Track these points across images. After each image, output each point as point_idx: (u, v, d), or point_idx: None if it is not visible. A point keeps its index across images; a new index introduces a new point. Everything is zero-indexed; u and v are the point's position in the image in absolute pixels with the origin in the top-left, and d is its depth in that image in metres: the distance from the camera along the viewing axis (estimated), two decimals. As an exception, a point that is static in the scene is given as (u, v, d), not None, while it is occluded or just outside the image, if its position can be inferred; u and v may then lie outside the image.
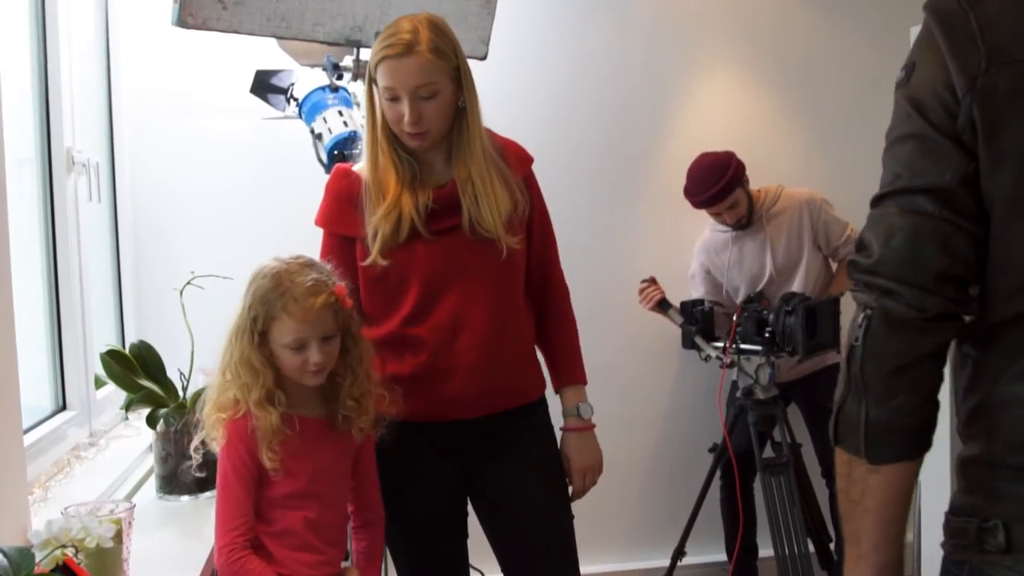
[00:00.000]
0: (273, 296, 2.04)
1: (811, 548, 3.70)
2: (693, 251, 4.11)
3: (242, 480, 1.96)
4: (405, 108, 2.18)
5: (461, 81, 2.26)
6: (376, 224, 2.23)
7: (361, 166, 2.34)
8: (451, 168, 2.30)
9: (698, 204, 3.88)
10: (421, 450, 2.29)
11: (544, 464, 2.38)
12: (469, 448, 2.32)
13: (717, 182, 3.77)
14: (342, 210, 2.33)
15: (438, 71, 2.19)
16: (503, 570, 2.38)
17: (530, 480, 2.34)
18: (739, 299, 3.93)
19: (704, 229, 4.08)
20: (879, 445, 1.24)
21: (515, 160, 2.39)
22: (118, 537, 1.78)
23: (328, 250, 2.35)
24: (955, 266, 1.22)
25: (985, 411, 1.24)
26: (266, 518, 1.98)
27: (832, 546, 3.94)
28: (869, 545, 1.29)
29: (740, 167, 3.83)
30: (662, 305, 3.88)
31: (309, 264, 2.13)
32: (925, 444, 1.27)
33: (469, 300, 2.26)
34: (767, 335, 3.55)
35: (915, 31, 2.66)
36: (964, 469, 1.29)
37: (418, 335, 2.26)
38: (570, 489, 2.40)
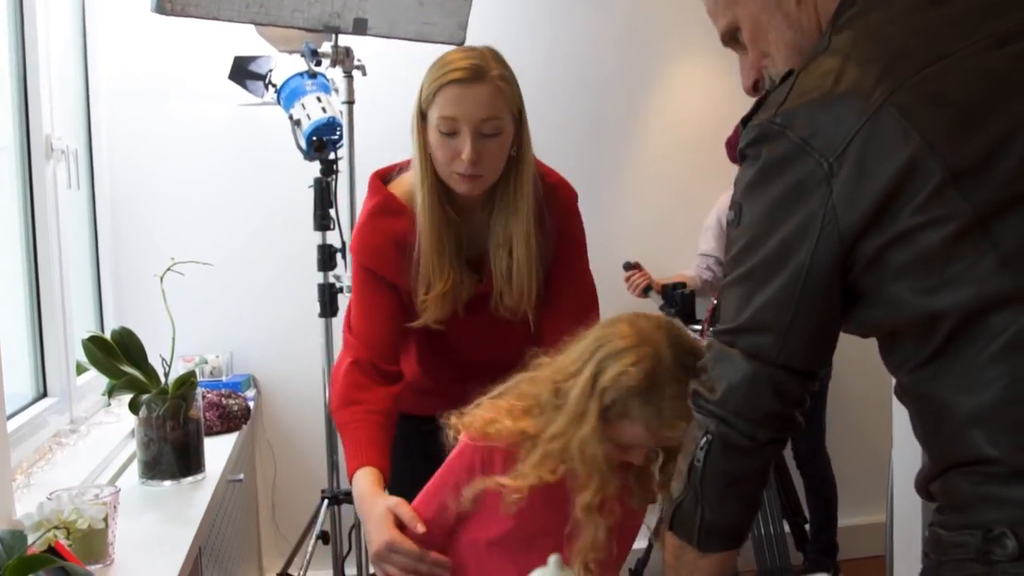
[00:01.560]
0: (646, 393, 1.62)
1: (787, 529, 3.74)
2: (715, 205, 4.12)
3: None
4: (466, 144, 1.95)
5: (520, 124, 2.06)
6: (428, 303, 2.07)
7: (406, 194, 2.12)
8: (487, 226, 2.10)
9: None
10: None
11: None
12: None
13: None
14: (386, 252, 2.11)
15: (505, 106, 1.99)
16: None
17: None
18: None
19: (694, 205, 4.12)
20: (710, 539, 1.41)
21: (561, 205, 2.20)
22: (105, 520, 1.80)
23: (363, 283, 2.16)
24: (787, 405, 1.35)
25: (959, 434, 1.25)
26: None
27: (807, 527, 4.00)
28: None
29: None
30: (646, 292, 3.93)
31: None
32: (744, 537, 1.45)
33: (486, 367, 1.96)
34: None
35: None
36: (948, 488, 1.30)
37: (430, 387, 2.22)
38: None
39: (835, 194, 1.23)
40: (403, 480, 1.99)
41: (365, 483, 1.93)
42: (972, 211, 1.18)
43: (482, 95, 1.95)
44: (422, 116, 2.01)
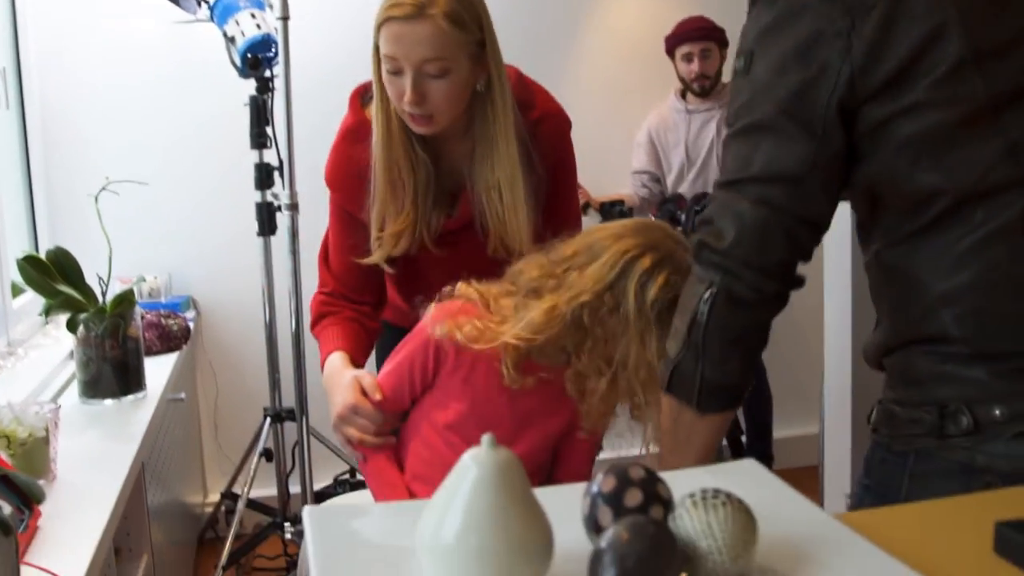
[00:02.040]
0: None
1: (723, 442, 3.83)
2: (644, 122, 4.18)
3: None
4: (407, 84, 1.83)
5: (485, 59, 1.91)
6: (382, 240, 2.00)
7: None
8: (469, 162, 1.99)
9: (680, 35, 4.00)
10: None
11: None
12: None
13: (706, 22, 3.96)
14: (351, 183, 2.02)
15: (453, 44, 1.83)
16: None
17: None
18: (669, 179, 4.07)
19: (630, 122, 4.14)
20: (710, 399, 1.38)
21: (550, 140, 2.06)
22: (46, 435, 1.81)
23: (332, 214, 2.11)
24: (798, 254, 1.33)
25: (928, 313, 1.29)
26: None
27: (743, 439, 4.11)
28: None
29: (726, 35, 3.97)
30: (584, 209, 3.94)
31: None
32: (742, 398, 1.42)
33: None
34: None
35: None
36: (908, 365, 1.34)
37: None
38: None
39: (854, 50, 1.23)
40: None
41: (335, 360, 1.98)
42: (986, 95, 1.20)
43: (423, 34, 1.80)
44: (376, 47, 1.88)
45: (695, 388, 1.37)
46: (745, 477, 1.10)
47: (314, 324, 2.12)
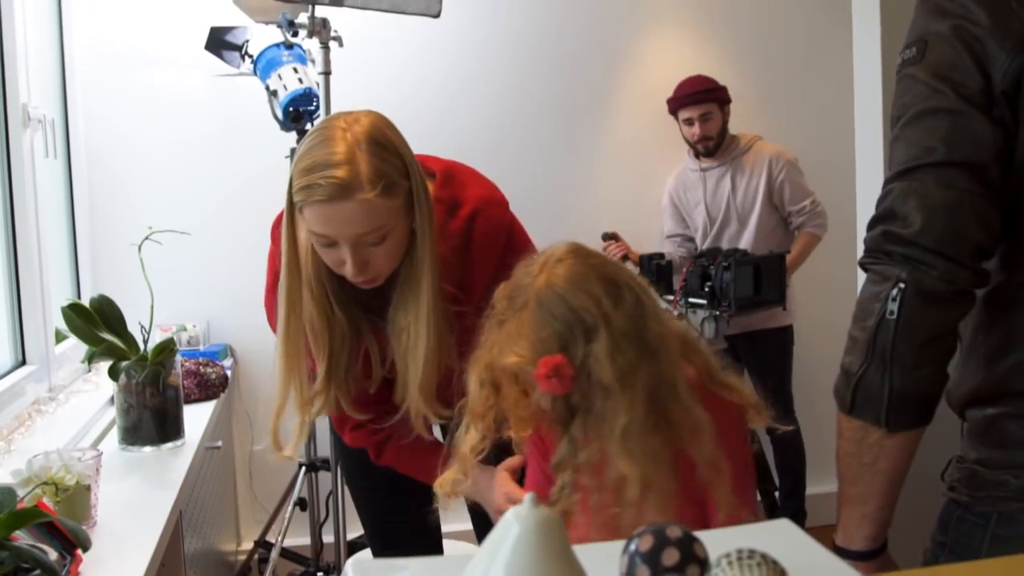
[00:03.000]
0: None
1: (758, 497, 3.81)
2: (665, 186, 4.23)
3: None
4: (347, 257, 1.73)
5: (414, 202, 1.77)
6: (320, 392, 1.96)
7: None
8: (390, 308, 1.89)
9: (679, 99, 4.01)
10: None
11: None
12: None
13: (705, 84, 3.96)
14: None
15: (386, 212, 1.71)
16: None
17: None
18: (698, 237, 4.07)
19: (667, 177, 4.17)
20: (900, 414, 1.28)
21: (488, 226, 1.94)
22: (90, 479, 1.83)
23: None
24: (988, 239, 1.26)
25: (1021, 370, 1.28)
26: None
27: (777, 494, 4.07)
28: (875, 504, 1.36)
29: (727, 93, 3.98)
30: (624, 261, 3.96)
31: None
32: (934, 411, 1.33)
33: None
34: (707, 289, 3.64)
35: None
36: (994, 425, 1.32)
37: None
38: None
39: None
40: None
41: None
42: None
43: (353, 212, 1.68)
44: (292, 217, 1.78)
45: (883, 402, 1.28)
46: (780, 537, 1.11)
47: (379, 454, 2.08)
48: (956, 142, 1.25)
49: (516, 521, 0.82)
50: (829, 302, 3.79)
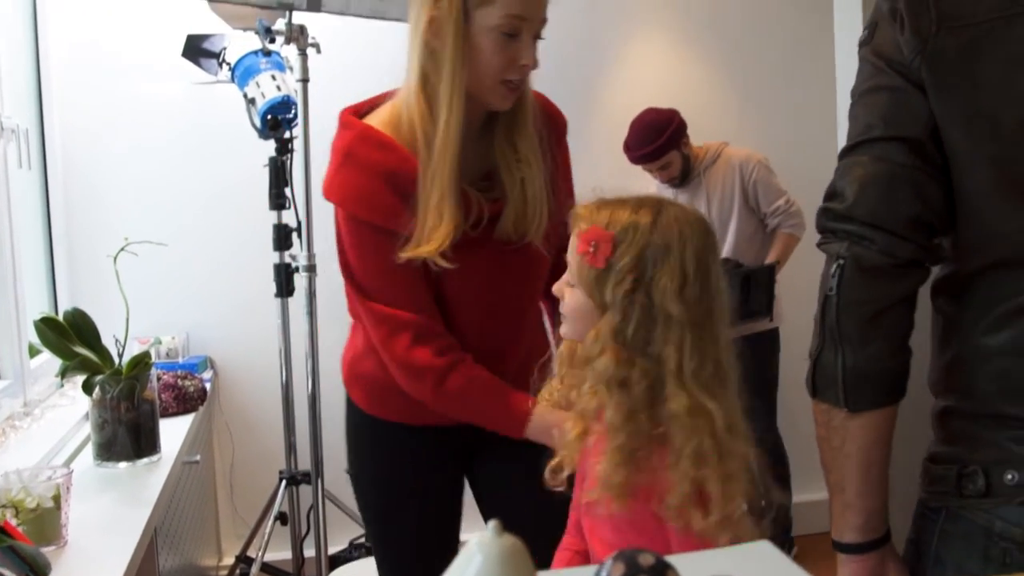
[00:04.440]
0: None
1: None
2: None
3: None
4: (527, 48, 1.78)
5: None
6: (434, 235, 1.78)
7: (387, 127, 1.86)
8: (492, 145, 1.88)
9: (632, 160, 3.97)
10: (420, 458, 2.04)
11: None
12: (474, 442, 2.03)
13: (652, 142, 3.86)
14: (377, 193, 1.82)
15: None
16: None
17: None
18: None
19: (650, 185, 4.14)
20: (857, 392, 1.27)
21: (556, 128, 2.01)
22: (56, 501, 1.79)
23: (368, 241, 1.85)
24: (926, 212, 1.24)
25: (961, 363, 1.28)
26: None
27: (763, 502, 4.03)
28: (853, 491, 1.33)
29: (679, 130, 3.90)
30: None
31: None
32: (900, 390, 1.30)
33: (503, 322, 1.96)
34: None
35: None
36: (942, 420, 1.32)
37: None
38: None
39: None
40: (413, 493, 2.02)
41: (545, 414, 1.78)
42: None
43: None
44: (465, 19, 1.75)
45: (839, 382, 1.27)
46: (759, 561, 1.08)
47: (443, 380, 1.84)
48: (893, 117, 1.26)
49: (479, 551, 0.79)
50: (813, 305, 3.77)
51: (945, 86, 1.23)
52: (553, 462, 1.54)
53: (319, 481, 3.04)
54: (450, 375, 1.84)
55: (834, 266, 1.25)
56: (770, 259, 3.89)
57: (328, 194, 1.87)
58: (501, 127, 1.88)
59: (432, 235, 1.78)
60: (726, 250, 3.91)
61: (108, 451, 2.42)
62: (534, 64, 1.80)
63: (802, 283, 4.10)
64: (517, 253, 1.89)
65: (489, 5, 1.74)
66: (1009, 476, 1.22)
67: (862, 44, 1.33)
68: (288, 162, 3.21)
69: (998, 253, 1.23)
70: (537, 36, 1.81)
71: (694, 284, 1.37)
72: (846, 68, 2.60)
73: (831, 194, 1.30)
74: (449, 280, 1.86)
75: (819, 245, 1.32)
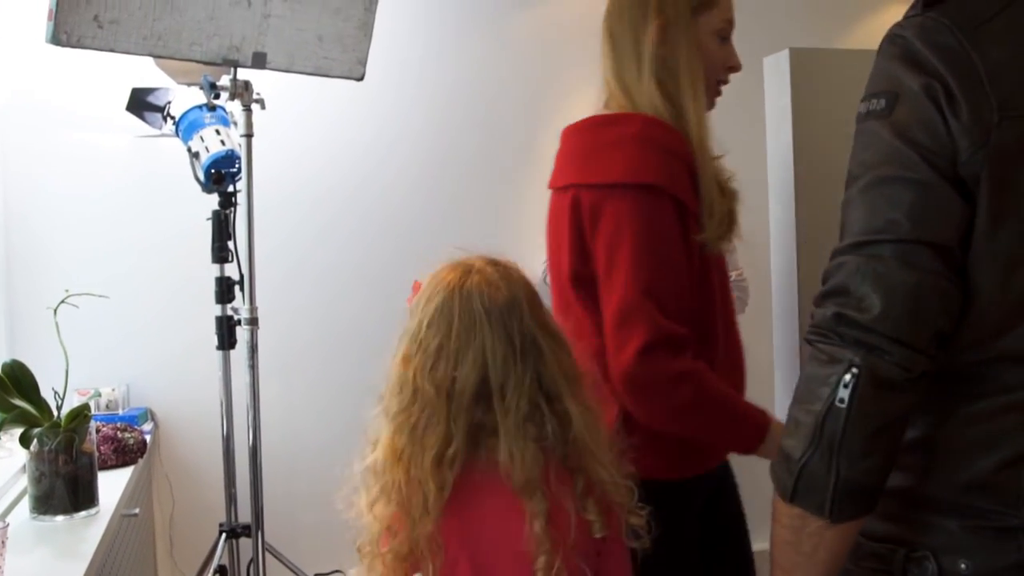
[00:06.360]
0: None
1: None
2: None
3: None
4: (733, 50, 1.88)
5: None
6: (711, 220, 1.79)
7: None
8: None
9: None
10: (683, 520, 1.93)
11: None
12: (713, 494, 2.05)
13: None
14: (678, 170, 1.78)
15: None
16: None
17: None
18: None
19: None
20: (845, 504, 1.19)
21: None
22: (-8, 556, 1.78)
23: (669, 234, 1.76)
24: (948, 325, 1.17)
25: (925, 446, 1.24)
26: None
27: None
28: None
29: None
30: None
31: None
32: (877, 501, 1.23)
33: (733, 327, 1.94)
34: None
35: (770, 62, 2.78)
36: (888, 495, 1.25)
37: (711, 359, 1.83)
38: None
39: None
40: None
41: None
42: None
43: None
44: (694, 15, 1.82)
45: (828, 492, 1.18)
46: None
47: (702, 389, 1.74)
48: (922, 217, 1.15)
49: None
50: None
51: (1008, 184, 1.15)
52: None
53: (259, 534, 3.02)
54: (708, 377, 1.75)
55: (848, 375, 1.15)
56: None
57: (639, 175, 1.76)
58: None
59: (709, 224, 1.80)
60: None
61: (45, 504, 2.41)
62: (739, 66, 1.89)
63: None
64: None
65: (711, 9, 1.82)
66: (963, 565, 1.19)
67: (875, 115, 1.21)
68: (232, 215, 3.22)
69: (997, 350, 1.19)
70: None
71: None
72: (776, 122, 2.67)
73: (843, 293, 1.18)
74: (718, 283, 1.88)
75: (813, 341, 1.22)
